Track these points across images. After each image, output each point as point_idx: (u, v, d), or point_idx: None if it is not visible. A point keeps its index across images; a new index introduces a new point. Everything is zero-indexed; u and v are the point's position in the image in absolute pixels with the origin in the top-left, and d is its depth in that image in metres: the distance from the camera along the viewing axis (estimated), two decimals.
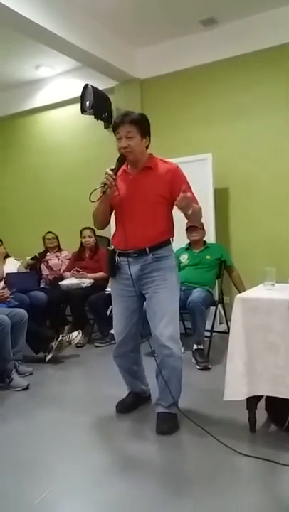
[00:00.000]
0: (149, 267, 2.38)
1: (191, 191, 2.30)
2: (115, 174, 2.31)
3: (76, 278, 4.45)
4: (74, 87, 5.23)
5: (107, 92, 5.02)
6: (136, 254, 2.37)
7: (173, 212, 2.43)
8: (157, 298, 2.37)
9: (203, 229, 4.00)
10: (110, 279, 2.56)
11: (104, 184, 2.28)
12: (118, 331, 2.53)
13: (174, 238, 2.49)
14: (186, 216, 2.30)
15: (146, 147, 2.43)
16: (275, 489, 1.84)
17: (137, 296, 2.44)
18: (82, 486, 1.94)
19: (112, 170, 2.30)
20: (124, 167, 2.41)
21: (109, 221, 2.54)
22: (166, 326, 2.34)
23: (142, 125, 2.35)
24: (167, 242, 2.44)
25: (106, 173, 2.28)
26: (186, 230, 3.92)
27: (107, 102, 5.05)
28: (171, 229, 2.48)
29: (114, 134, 2.37)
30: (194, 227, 3.88)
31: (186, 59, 4.66)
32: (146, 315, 2.45)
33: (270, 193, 4.39)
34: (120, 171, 2.38)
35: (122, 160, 2.34)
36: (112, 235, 2.59)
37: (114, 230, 2.52)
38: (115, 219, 2.50)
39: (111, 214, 2.51)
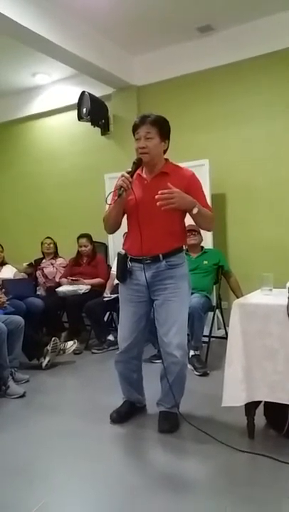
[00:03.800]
0: (161, 274, 2.35)
1: (205, 199, 2.36)
2: (131, 177, 2.26)
3: (72, 282, 4.44)
4: (71, 94, 5.25)
5: (104, 99, 5.05)
6: (149, 261, 2.34)
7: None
8: (168, 306, 2.35)
9: (200, 234, 4.01)
10: (119, 283, 2.50)
11: (121, 187, 2.22)
12: (124, 337, 2.48)
13: (186, 246, 2.47)
14: (192, 216, 2.27)
15: (164, 151, 2.39)
16: (274, 488, 1.83)
17: (147, 302, 2.42)
18: (79, 495, 1.91)
19: (128, 172, 2.26)
20: (138, 172, 2.37)
21: (120, 225, 2.47)
22: (176, 334, 2.33)
23: (163, 127, 2.31)
24: (180, 249, 2.41)
25: (122, 176, 2.23)
26: None
27: (103, 109, 5.07)
28: (185, 236, 2.47)
29: (134, 135, 2.33)
30: (192, 230, 3.89)
31: (183, 66, 4.70)
32: (155, 321, 2.43)
33: (267, 199, 4.40)
34: (136, 175, 2.34)
35: (138, 162, 2.30)
36: (123, 240, 2.55)
37: (127, 234, 2.48)
38: (128, 224, 2.44)
39: (122, 218, 2.46)
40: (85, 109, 4.89)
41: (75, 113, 5.01)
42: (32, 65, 5.02)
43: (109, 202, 2.31)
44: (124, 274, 2.40)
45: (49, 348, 3.67)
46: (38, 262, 4.96)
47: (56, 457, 2.23)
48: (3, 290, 3.74)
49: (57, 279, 4.75)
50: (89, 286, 4.38)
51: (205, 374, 3.35)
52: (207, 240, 4.25)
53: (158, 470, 2.08)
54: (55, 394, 3.21)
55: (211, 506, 1.78)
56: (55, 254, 4.98)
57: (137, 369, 2.59)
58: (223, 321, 4.14)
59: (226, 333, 3.19)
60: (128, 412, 2.61)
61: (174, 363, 2.34)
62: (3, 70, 5.14)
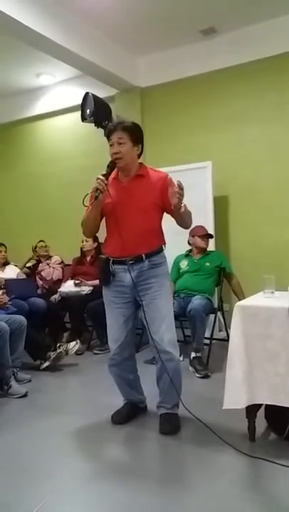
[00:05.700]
0: (145, 274, 2.41)
1: None
2: (106, 179, 2.33)
3: (75, 286, 4.45)
4: (74, 95, 5.26)
5: (107, 100, 5.04)
6: (132, 261, 2.39)
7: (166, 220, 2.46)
8: (155, 304, 2.41)
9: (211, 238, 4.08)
10: (103, 287, 2.53)
11: (97, 189, 2.28)
12: (114, 339, 2.51)
13: (165, 246, 2.53)
14: (177, 214, 2.29)
15: (139, 156, 2.47)
16: (275, 491, 1.84)
17: (132, 302, 2.47)
18: (81, 494, 1.92)
19: (103, 175, 2.32)
20: (114, 175, 2.43)
21: (99, 228, 2.53)
22: (166, 331, 2.39)
23: (134, 133, 2.39)
24: (161, 249, 2.50)
25: (97, 178, 2.30)
26: (200, 235, 3.95)
27: (107, 110, 5.06)
28: (163, 236, 2.53)
29: (108, 141, 2.41)
30: (209, 235, 3.98)
31: (186, 68, 4.70)
32: (144, 321, 2.45)
33: (269, 201, 4.40)
34: (110, 179, 2.40)
35: (112, 166, 2.37)
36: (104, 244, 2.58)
37: (106, 238, 2.52)
38: (108, 227, 2.50)
39: (101, 221, 2.51)
40: (88, 110, 4.87)
41: (78, 114, 5.00)
42: (36, 66, 5.04)
43: (87, 204, 2.35)
44: (107, 277, 2.45)
45: (51, 355, 3.66)
46: (35, 266, 4.97)
47: (58, 457, 2.24)
48: (6, 290, 3.75)
49: (54, 277, 4.76)
50: (91, 287, 4.39)
51: (206, 376, 3.35)
52: (209, 241, 4.25)
53: (158, 471, 2.10)
54: (56, 394, 3.22)
55: (211, 509, 1.78)
56: (49, 255, 5.01)
57: (132, 370, 2.62)
58: (225, 323, 4.14)
59: (228, 336, 3.18)
60: (129, 413, 2.63)
61: (168, 360, 2.39)
62: (7, 71, 5.16)
